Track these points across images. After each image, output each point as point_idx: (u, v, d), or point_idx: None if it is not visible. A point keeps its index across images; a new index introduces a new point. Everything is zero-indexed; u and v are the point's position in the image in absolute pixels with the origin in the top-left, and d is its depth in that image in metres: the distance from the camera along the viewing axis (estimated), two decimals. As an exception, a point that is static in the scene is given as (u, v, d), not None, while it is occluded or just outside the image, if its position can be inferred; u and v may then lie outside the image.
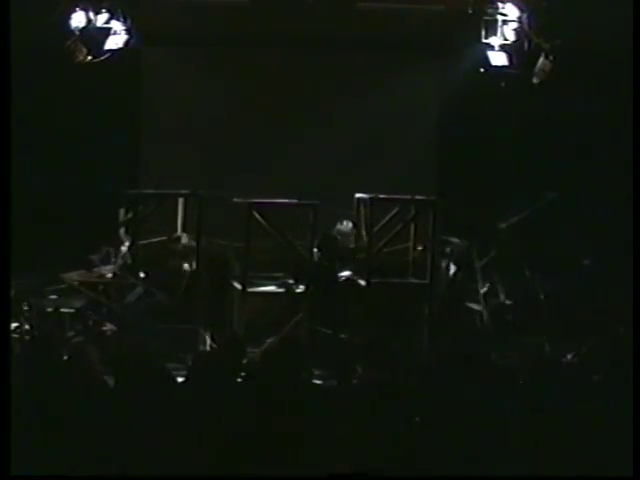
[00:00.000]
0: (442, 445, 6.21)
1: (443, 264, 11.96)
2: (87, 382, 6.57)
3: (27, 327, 10.93)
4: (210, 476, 6.03)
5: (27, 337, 10.61)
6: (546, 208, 12.01)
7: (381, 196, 11.67)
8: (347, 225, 11.89)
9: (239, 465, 6.05)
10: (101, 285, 11.50)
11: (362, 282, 11.27)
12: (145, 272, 11.66)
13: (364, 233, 11.57)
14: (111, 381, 6.69)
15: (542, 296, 11.72)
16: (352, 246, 11.64)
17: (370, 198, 11.58)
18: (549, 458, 6.12)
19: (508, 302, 11.78)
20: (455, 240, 12.05)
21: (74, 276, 11.39)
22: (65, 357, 7.19)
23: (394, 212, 11.72)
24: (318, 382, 9.41)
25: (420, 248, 11.63)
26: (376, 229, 11.53)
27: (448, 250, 12.05)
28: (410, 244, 11.74)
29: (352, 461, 6.17)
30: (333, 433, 6.29)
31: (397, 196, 11.91)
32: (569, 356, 9.77)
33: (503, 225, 12.00)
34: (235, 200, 11.52)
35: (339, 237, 11.71)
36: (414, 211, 11.66)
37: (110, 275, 11.56)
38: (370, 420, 6.36)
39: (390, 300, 11.26)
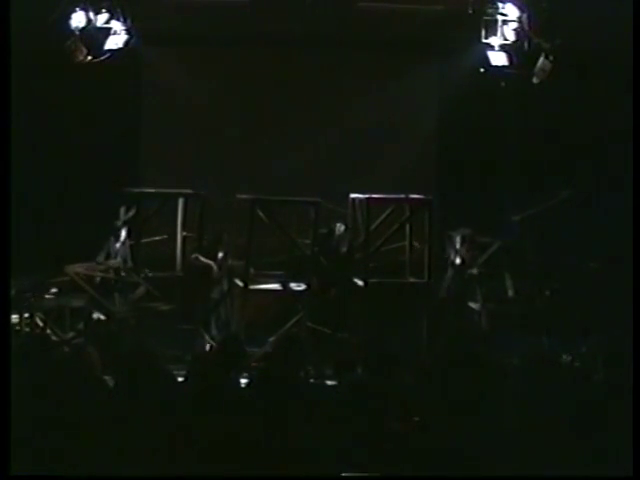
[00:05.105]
0: (442, 445, 6.21)
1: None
2: (87, 382, 6.57)
3: (27, 325, 10.93)
4: (210, 476, 6.03)
5: (27, 336, 10.59)
6: (557, 206, 12.04)
7: (377, 196, 11.67)
8: (340, 228, 11.83)
9: (239, 465, 6.05)
10: (104, 281, 11.48)
11: (360, 282, 11.29)
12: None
13: (362, 233, 11.58)
14: (111, 381, 6.69)
15: (546, 293, 11.75)
16: (345, 249, 11.67)
17: (366, 198, 11.58)
18: (549, 458, 6.12)
19: (512, 295, 11.79)
20: (456, 235, 12.05)
21: (77, 268, 11.33)
22: (65, 357, 7.19)
23: (389, 211, 11.72)
24: (317, 382, 9.43)
25: (417, 247, 11.65)
26: (372, 228, 11.52)
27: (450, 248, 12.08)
28: (406, 243, 11.75)
29: (352, 461, 6.16)
30: (333, 433, 6.29)
31: (393, 195, 11.91)
32: (568, 356, 9.77)
33: (517, 218, 12.00)
34: (238, 196, 11.57)
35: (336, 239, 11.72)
36: (409, 210, 11.66)
37: (114, 271, 11.56)
38: (369, 420, 6.36)
39: (389, 299, 11.27)
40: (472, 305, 11.81)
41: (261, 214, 11.23)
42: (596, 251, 12.31)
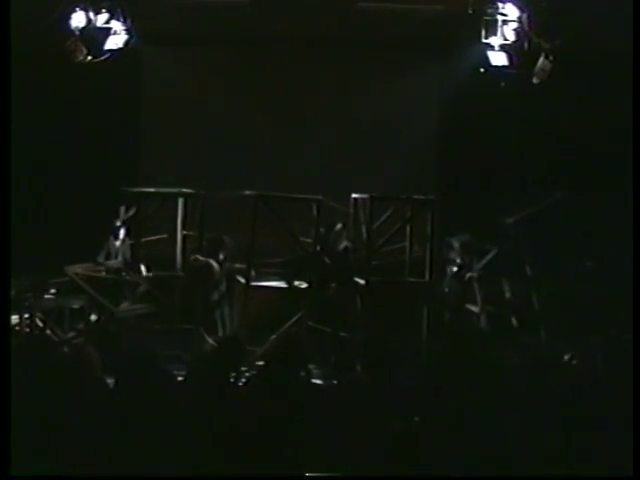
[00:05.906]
0: (442, 445, 6.21)
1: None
2: (87, 382, 6.57)
3: (27, 325, 10.93)
4: (210, 476, 6.03)
5: (27, 336, 10.60)
6: (551, 207, 12.04)
7: (379, 196, 11.67)
8: (340, 227, 11.86)
9: (238, 465, 6.05)
10: (104, 282, 11.49)
11: (361, 281, 11.30)
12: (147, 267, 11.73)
13: (364, 232, 11.58)
14: (111, 381, 6.69)
15: (542, 295, 11.75)
16: (343, 246, 11.69)
17: (369, 198, 11.59)
18: (549, 458, 6.12)
19: (510, 298, 11.80)
20: (455, 241, 12.06)
21: (77, 269, 11.34)
22: (65, 357, 7.19)
23: (390, 211, 11.73)
24: (318, 382, 9.44)
25: (417, 249, 11.66)
26: (374, 228, 11.52)
27: (448, 251, 12.09)
28: (407, 243, 11.76)
29: (352, 461, 6.17)
30: (333, 433, 6.29)
31: (395, 195, 11.91)
32: (567, 356, 9.77)
33: (510, 220, 12.01)
34: (242, 193, 11.59)
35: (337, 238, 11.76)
36: (411, 211, 11.67)
37: (114, 271, 11.55)
38: (370, 420, 6.36)
39: (390, 299, 11.28)
40: (471, 308, 11.82)
41: (264, 210, 11.25)
42: (594, 251, 12.30)
